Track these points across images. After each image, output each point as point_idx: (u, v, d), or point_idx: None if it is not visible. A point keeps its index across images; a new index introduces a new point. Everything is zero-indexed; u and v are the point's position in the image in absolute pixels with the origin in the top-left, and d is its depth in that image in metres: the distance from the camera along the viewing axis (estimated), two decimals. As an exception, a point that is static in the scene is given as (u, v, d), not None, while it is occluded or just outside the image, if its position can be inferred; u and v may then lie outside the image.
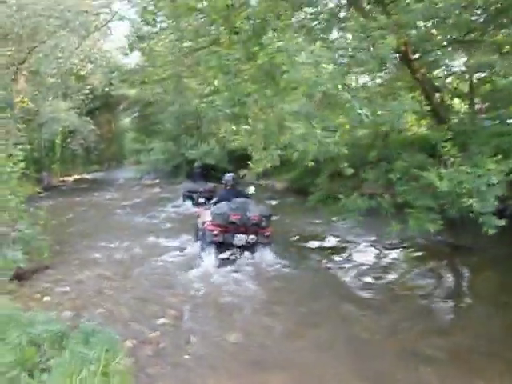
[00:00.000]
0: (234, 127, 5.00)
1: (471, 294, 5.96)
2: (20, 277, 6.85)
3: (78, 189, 21.74)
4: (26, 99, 18.09)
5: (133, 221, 12.23)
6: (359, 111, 3.31)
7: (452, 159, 4.42)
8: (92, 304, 5.77)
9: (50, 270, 7.46)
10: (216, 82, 5.35)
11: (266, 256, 7.23)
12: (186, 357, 4.28)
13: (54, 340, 3.19)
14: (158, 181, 22.08)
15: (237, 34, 5.38)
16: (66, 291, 6.34)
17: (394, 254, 8.10)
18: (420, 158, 5.00)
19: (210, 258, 7.13)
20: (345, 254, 8.12)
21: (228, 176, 8.19)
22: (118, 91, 25.33)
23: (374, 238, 8.95)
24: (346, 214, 7.11)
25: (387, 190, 5.24)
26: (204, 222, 7.49)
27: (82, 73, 23.55)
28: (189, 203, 12.53)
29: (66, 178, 26.31)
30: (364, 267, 7.30)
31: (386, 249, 8.29)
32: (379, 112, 3.60)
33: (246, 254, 7.22)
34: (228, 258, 7.17)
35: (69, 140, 22.48)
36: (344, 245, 8.75)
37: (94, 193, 19.75)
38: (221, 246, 7.18)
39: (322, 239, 9.19)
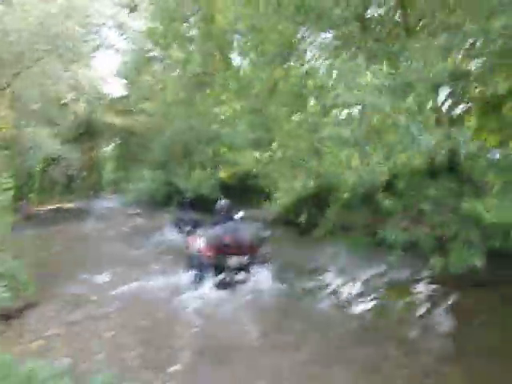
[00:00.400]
0: (256, 154, 4.66)
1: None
2: (7, 316, 6.21)
3: (59, 218, 20.83)
4: (5, 125, 17.47)
5: (122, 252, 11.56)
6: (420, 137, 3.03)
7: (493, 186, 4.13)
8: (90, 349, 5.19)
9: (38, 308, 6.82)
10: (238, 106, 4.98)
11: (262, 278, 7.20)
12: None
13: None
14: (139, 211, 21.52)
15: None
16: (59, 333, 5.73)
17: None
18: (453, 185, 4.66)
19: (207, 284, 7.11)
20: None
21: (223, 202, 8.28)
22: (103, 119, 24.91)
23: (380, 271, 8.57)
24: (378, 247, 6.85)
25: (416, 222, 4.89)
26: (198, 248, 7.62)
27: (66, 100, 23.14)
28: (178, 232, 11.97)
29: (43, 207, 25.30)
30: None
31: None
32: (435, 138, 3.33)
33: (241, 276, 7.23)
34: (225, 282, 7.14)
35: (51, 168, 21.65)
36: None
37: (76, 223, 18.92)
38: (216, 269, 7.18)
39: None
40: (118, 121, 25.14)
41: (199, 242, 7.68)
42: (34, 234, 14.38)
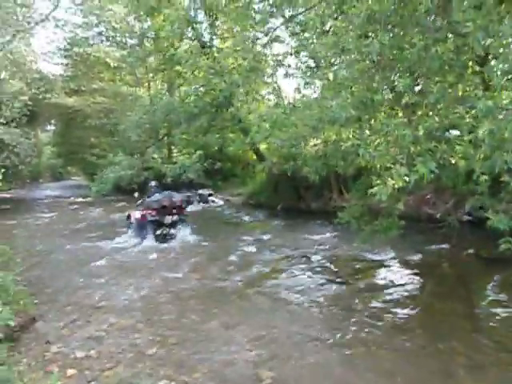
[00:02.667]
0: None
1: None
2: (8, 337, 5.03)
3: (4, 210, 18.72)
4: None
5: (99, 248, 10.35)
6: None
7: None
8: (128, 374, 4.24)
9: (39, 324, 5.67)
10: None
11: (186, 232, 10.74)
12: None
13: None
14: (90, 199, 19.97)
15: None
16: (75, 357, 4.67)
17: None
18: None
19: (147, 239, 10.26)
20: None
21: (154, 183, 11.73)
22: (45, 100, 22.56)
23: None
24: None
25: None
26: (137, 218, 10.51)
27: (1, 76, 20.65)
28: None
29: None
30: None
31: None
32: None
33: (173, 230, 10.49)
34: (162, 234, 10.31)
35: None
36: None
37: (26, 214, 17.07)
38: (157, 225, 10.27)
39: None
40: (63, 102, 22.88)
41: (135, 215, 10.60)
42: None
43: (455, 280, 7.22)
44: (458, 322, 5.32)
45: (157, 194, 10.60)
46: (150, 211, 10.24)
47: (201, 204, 17.26)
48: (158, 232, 10.17)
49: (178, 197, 10.69)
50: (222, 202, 17.84)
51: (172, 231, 10.34)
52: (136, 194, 11.60)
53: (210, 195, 18.08)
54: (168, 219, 10.27)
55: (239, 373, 4.23)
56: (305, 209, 13.88)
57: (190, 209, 13.63)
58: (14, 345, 4.99)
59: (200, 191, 17.78)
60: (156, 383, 4.01)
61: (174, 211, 10.41)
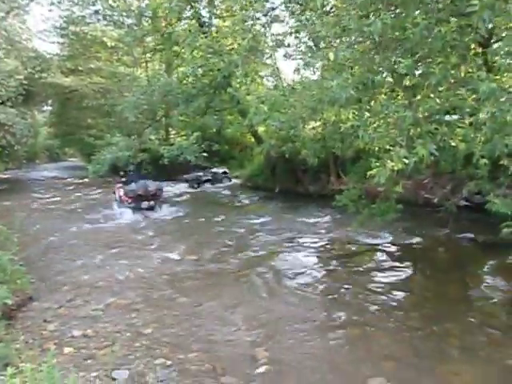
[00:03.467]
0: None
1: None
2: (5, 315, 5.04)
3: (0, 190, 18.63)
4: None
5: (95, 228, 10.37)
6: None
7: None
8: (125, 353, 4.25)
9: (36, 303, 5.68)
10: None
11: (164, 212, 12.19)
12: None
13: None
14: (87, 180, 19.88)
15: None
16: (72, 335, 4.69)
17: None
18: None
19: (129, 217, 11.56)
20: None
21: (132, 168, 13.53)
22: (41, 79, 22.23)
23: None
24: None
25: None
26: (120, 196, 12.47)
27: (-3, 54, 20.31)
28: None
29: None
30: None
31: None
32: None
33: (149, 212, 11.89)
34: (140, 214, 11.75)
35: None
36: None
37: (22, 195, 16.97)
38: (134, 209, 11.85)
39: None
40: (59, 81, 22.53)
41: (120, 193, 12.45)
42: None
43: (451, 264, 7.26)
44: (452, 305, 5.37)
45: (133, 184, 12.08)
46: (126, 198, 12.01)
47: (215, 184, 17.22)
48: (137, 214, 11.66)
49: (152, 186, 12.18)
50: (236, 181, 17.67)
51: (149, 213, 11.80)
52: (121, 173, 13.19)
53: (225, 173, 17.81)
54: (145, 204, 11.85)
55: (235, 352, 4.26)
56: (302, 192, 13.86)
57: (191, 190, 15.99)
58: (11, 323, 5.02)
59: (214, 169, 17.65)
60: (152, 362, 4.03)
61: (150, 198, 11.99)
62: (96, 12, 21.79)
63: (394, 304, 5.48)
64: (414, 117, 3.74)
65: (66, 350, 4.31)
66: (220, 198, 15.22)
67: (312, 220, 10.50)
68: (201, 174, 16.55)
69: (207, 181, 17.12)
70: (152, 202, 11.95)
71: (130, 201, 11.86)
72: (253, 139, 16.89)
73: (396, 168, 3.59)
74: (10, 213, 12.60)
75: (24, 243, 8.46)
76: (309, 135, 7.77)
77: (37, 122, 34.17)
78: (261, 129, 14.55)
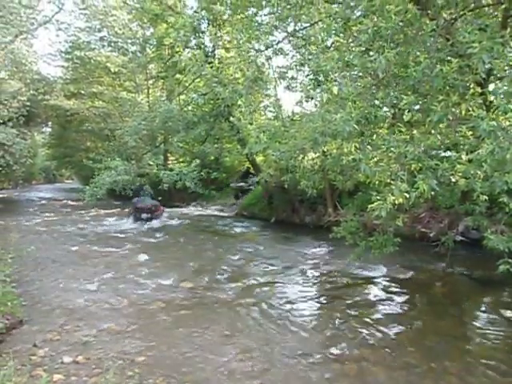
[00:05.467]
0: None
1: None
2: (-5, 339, 4.94)
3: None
4: None
5: (90, 251, 10.26)
6: None
7: None
8: (117, 381, 4.14)
9: (27, 326, 5.56)
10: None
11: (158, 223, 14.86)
12: None
13: None
14: (83, 202, 19.85)
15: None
16: (62, 362, 4.58)
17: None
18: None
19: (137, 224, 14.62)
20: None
21: (142, 190, 16.00)
22: (44, 102, 22.51)
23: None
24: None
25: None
26: (130, 209, 15.63)
27: (1, 75, 20.59)
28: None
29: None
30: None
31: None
32: None
33: (148, 222, 14.64)
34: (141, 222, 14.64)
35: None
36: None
37: (18, 215, 16.88)
38: (135, 218, 14.89)
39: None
40: (61, 104, 22.81)
41: (131, 208, 15.64)
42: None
43: (448, 299, 7.21)
44: (450, 342, 5.30)
45: (136, 200, 15.45)
46: (131, 210, 15.53)
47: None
48: (138, 221, 14.79)
49: (149, 202, 15.28)
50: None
51: (148, 222, 14.67)
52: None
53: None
54: (144, 215, 14.80)
55: (229, 384, 4.16)
56: (298, 222, 13.86)
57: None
58: (0, 347, 4.90)
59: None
60: (145, 391, 3.93)
61: (148, 211, 14.93)
62: (101, 38, 22.33)
63: (391, 338, 5.41)
64: (415, 152, 3.80)
65: (56, 377, 4.19)
66: (215, 225, 15.18)
67: (308, 251, 10.46)
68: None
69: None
70: (149, 215, 14.79)
71: (131, 211, 15.30)
72: (251, 168, 17.00)
73: (397, 202, 3.62)
74: (4, 233, 12.51)
75: (17, 264, 8.36)
76: (308, 166, 7.84)
77: (35, 142, 34.35)
78: (259, 158, 14.68)
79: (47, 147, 35.09)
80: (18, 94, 20.98)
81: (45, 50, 42.03)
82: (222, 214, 17.40)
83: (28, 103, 20.55)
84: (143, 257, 9.79)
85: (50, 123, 29.77)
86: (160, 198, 15.83)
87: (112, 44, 21.93)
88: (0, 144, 18.15)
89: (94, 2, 20.55)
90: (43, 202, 22.97)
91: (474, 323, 6.04)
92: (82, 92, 23.06)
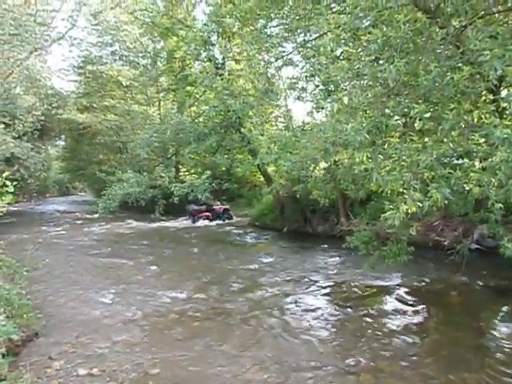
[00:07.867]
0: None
1: None
2: (10, 352, 4.97)
3: (11, 223, 18.77)
4: None
5: (104, 264, 10.35)
6: None
7: None
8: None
9: (42, 339, 5.61)
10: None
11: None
12: None
13: None
14: (96, 214, 20.08)
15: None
16: (77, 374, 4.61)
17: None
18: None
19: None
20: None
21: (195, 201, 17.10)
22: (57, 115, 22.90)
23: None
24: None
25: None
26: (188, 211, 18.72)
27: (16, 91, 21.02)
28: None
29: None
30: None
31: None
32: None
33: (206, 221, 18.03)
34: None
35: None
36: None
37: (32, 228, 17.09)
38: (194, 218, 18.21)
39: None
40: (74, 118, 23.19)
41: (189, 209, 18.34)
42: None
43: (464, 309, 7.09)
44: (467, 353, 5.20)
45: (190, 206, 18.04)
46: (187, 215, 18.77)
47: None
48: (194, 220, 18.19)
49: (197, 207, 17.96)
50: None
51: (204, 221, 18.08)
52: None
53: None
54: (198, 217, 18.06)
55: (244, 397, 4.13)
56: (311, 232, 13.80)
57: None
58: (15, 359, 4.94)
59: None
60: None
61: (202, 215, 18.15)
62: (113, 53, 22.73)
63: (408, 349, 5.33)
64: (428, 160, 3.78)
65: (72, 389, 4.21)
66: (227, 236, 15.20)
67: (321, 261, 10.40)
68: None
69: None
70: (202, 219, 18.10)
71: (192, 213, 18.41)
72: (262, 178, 17.04)
73: (410, 211, 3.60)
74: (19, 246, 12.65)
75: (32, 277, 8.45)
76: (319, 176, 7.84)
77: (49, 156, 34.88)
78: (270, 168, 14.72)
79: (61, 160, 35.59)
80: (33, 109, 21.41)
81: (58, 65, 42.89)
82: (232, 224, 17.45)
83: (42, 117, 20.96)
84: (157, 268, 9.83)
85: (63, 136, 30.28)
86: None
87: (123, 58, 22.31)
88: (15, 158, 18.51)
89: (106, 17, 20.93)
90: (57, 214, 23.28)
91: (492, 333, 5.92)
92: (95, 105, 23.44)
